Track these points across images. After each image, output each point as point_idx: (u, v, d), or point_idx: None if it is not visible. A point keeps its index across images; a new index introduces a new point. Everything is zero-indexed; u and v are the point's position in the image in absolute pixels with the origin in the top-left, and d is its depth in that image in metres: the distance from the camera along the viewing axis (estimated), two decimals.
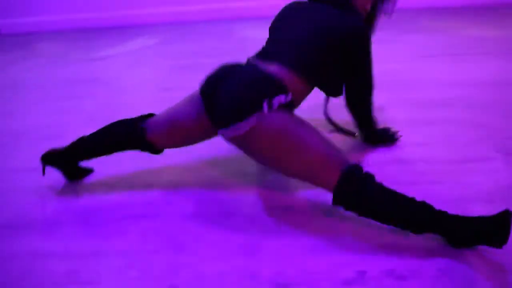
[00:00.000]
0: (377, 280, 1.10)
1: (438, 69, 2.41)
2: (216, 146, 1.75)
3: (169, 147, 1.51)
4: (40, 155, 1.62)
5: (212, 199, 1.47)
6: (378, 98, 2.09)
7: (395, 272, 1.12)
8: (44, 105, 2.38)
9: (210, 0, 3.84)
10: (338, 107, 1.94)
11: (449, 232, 1.14)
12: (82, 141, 1.53)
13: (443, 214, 1.14)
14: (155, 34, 3.65)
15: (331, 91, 1.46)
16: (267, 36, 1.51)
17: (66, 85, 2.65)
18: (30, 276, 1.19)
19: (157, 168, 1.66)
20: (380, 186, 1.18)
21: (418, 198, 1.36)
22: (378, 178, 1.47)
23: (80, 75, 2.82)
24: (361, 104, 1.56)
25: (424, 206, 1.15)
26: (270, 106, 1.22)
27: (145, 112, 2.13)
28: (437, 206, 1.29)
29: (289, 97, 1.28)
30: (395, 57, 2.64)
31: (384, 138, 1.69)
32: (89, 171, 1.65)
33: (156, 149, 1.50)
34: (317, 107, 1.98)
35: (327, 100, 1.79)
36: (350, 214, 1.27)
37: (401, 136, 1.73)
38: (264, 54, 1.39)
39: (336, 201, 1.20)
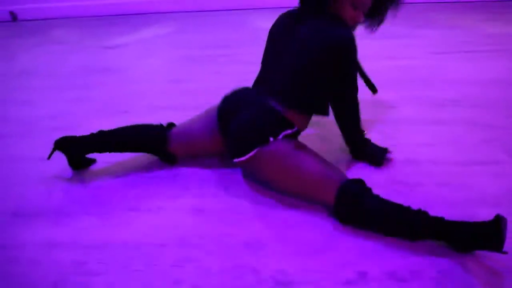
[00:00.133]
0: (378, 281, 1.11)
1: (450, 67, 2.38)
2: None
3: (186, 157, 1.63)
4: (50, 145, 1.66)
5: (218, 195, 1.49)
6: (389, 95, 2.09)
7: (396, 274, 1.13)
8: (57, 94, 2.41)
9: None
10: None
11: (446, 238, 1.15)
12: (101, 134, 1.57)
13: (439, 220, 1.15)
14: (169, 22, 3.65)
15: (323, 112, 1.45)
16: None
17: (78, 74, 2.68)
18: (38, 265, 1.23)
19: (166, 163, 1.68)
20: (376, 199, 1.23)
21: (424, 199, 1.37)
22: (383, 178, 1.48)
23: (93, 63, 2.85)
24: (347, 118, 1.49)
25: (420, 215, 1.17)
26: (275, 139, 1.36)
27: (155, 103, 2.18)
28: (443, 208, 1.29)
29: (295, 129, 1.42)
30: (408, 53, 2.61)
31: (372, 158, 1.58)
32: (92, 161, 1.68)
33: (172, 158, 1.61)
34: None
35: None
36: None
37: (390, 158, 1.60)
38: (264, 86, 1.47)
39: (335, 216, 1.30)
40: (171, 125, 1.62)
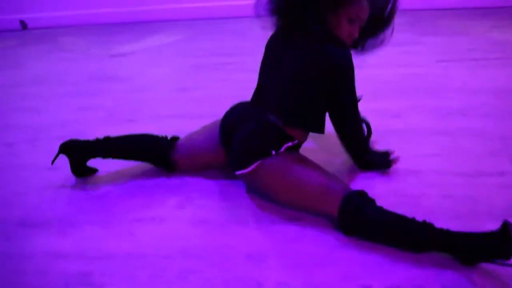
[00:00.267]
0: None
1: (456, 75, 2.36)
2: None
3: (189, 169, 1.64)
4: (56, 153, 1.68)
5: (220, 206, 1.49)
6: (395, 104, 2.08)
7: (400, 287, 1.12)
8: (63, 102, 2.44)
9: None
10: None
11: (452, 249, 1.15)
12: (107, 140, 1.59)
13: (444, 232, 1.15)
14: (176, 30, 3.67)
15: (319, 130, 1.44)
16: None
17: (85, 82, 2.71)
18: (43, 276, 1.24)
19: (168, 173, 1.68)
20: (380, 210, 1.23)
21: (428, 211, 1.36)
22: (387, 189, 1.48)
23: (100, 71, 2.88)
24: (349, 135, 1.49)
25: (425, 226, 1.16)
26: (277, 152, 1.36)
27: (160, 112, 2.20)
28: (447, 221, 1.28)
29: (295, 142, 1.42)
30: (413, 61, 2.60)
31: (379, 164, 1.58)
32: (94, 170, 1.68)
33: (175, 169, 1.63)
34: None
35: None
36: None
37: (397, 160, 1.58)
38: (261, 102, 1.48)
39: (339, 228, 1.29)
40: (175, 138, 1.63)
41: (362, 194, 1.27)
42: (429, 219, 1.20)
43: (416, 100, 2.12)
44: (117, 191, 1.60)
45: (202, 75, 2.66)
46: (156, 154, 1.60)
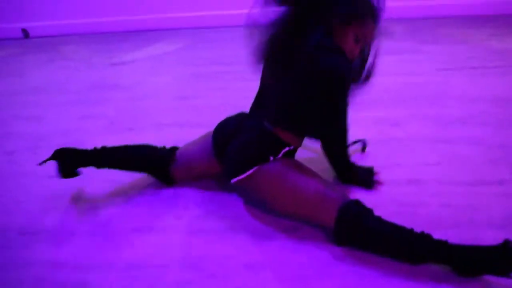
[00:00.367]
0: None
1: (456, 83, 2.37)
2: None
3: (185, 179, 1.63)
4: (55, 163, 1.67)
5: (219, 216, 1.49)
6: (394, 112, 2.08)
7: None
8: (64, 110, 2.45)
9: (233, 5, 3.87)
10: None
11: (450, 262, 1.14)
12: (104, 150, 1.59)
13: (443, 244, 1.14)
14: (177, 39, 3.69)
15: (316, 136, 1.45)
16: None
17: (86, 90, 2.72)
18: (40, 285, 1.24)
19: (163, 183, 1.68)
20: (378, 220, 1.22)
21: (427, 220, 1.36)
22: (386, 198, 1.47)
23: (101, 80, 2.89)
24: (335, 146, 1.47)
25: (423, 237, 1.15)
26: (275, 158, 1.37)
27: (160, 120, 2.20)
28: (447, 230, 1.28)
29: (292, 147, 1.42)
30: (412, 69, 2.60)
31: (362, 181, 1.57)
32: (77, 174, 1.62)
33: (172, 180, 1.62)
34: None
35: None
36: None
37: (380, 183, 1.57)
38: (260, 110, 1.48)
39: (335, 237, 1.28)
40: (173, 150, 1.62)
41: (360, 204, 1.27)
42: (428, 228, 1.19)
43: (416, 108, 2.12)
44: (116, 201, 1.60)
45: (202, 84, 2.67)
46: (155, 168, 1.60)
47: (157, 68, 3.05)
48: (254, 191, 1.40)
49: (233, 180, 1.40)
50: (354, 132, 1.87)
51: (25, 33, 4.11)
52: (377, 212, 1.25)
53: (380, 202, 1.44)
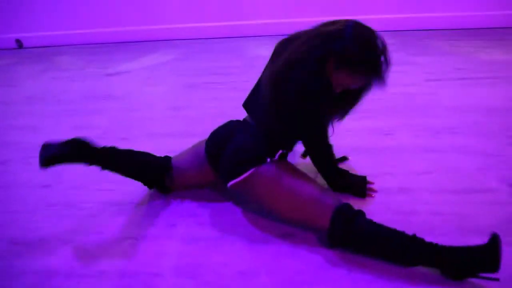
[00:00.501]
0: None
1: (446, 94, 2.42)
2: None
3: (180, 189, 1.66)
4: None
5: (213, 224, 1.50)
6: (385, 123, 2.12)
7: None
8: (58, 120, 2.46)
9: (226, 17, 3.92)
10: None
11: (441, 264, 1.17)
12: (113, 149, 1.57)
13: (434, 246, 1.17)
14: (171, 50, 3.73)
15: (287, 148, 1.48)
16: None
17: (80, 100, 2.74)
18: None
19: (159, 192, 1.70)
20: (370, 222, 1.25)
21: (418, 228, 1.38)
22: (377, 206, 1.49)
23: (95, 90, 2.91)
24: (315, 157, 1.49)
25: (415, 240, 1.19)
26: (271, 159, 1.39)
27: (153, 130, 2.22)
28: (437, 237, 1.30)
29: (285, 150, 1.45)
30: (403, 80, 2.65)
31: (355, 190, 1.58)
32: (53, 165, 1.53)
33: (167, 189, 1.65)
34: None
35: None
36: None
37: (374, 192, 1.60)
38: (250, 113, 1.51)
39: (330, 241, 1.31)
40: (167, 157, 1.63)
41: (350, 206, 1.30)
42: (419, 236, 1.22)
43: (407, 118, 2.16)
44: (109, 210, 1.61)
45: (195, 94, 2.70)
46: (154, 176, 1.61)
47: (151, 79, 3.07)
48: (250, 194, 1.41)
49: (230, 184, 1.41)
50: (347, 142, 1.91)
51: (19, 44, 4.12)
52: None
53: (372, 210, 1.47)
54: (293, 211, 1.35)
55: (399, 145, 1.91)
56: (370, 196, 1.58)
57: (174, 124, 2.29)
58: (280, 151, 1.43)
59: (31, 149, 2.12)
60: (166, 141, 2.07)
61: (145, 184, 1.65)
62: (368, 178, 1.64)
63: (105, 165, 1.55)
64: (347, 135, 1.98)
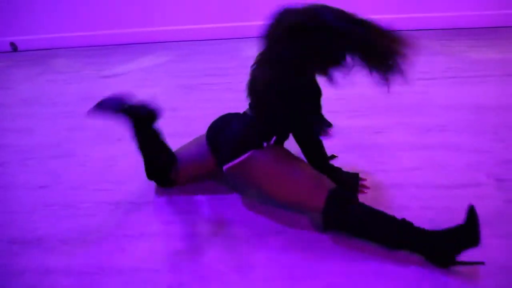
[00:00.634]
0: None
1: (436, 92, 2.46)
2: None
3: (185, 181, 1.68)
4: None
5: (208, 220, 1.54)
6: (376, 121, 2.16)
7: None
8: (55, 122, 2.48)
9: (221, 19, 3.95)
10: None
11: (428, 246, 1.23)
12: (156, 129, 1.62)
13: (421, 230, 1.24)
14: (166, 51, 3.75)
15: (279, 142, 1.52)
16: None
17: (76, 102, 2.75)
18: None
19: (154, 188, 1.73)
20: (361, 205, 1.32)
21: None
22: (369, 202, 1.53)
23: (92, 92, 2.92)
24: (305, 152, 1.53)
25: (404, 223, 1.26)
26: (268, 144, 1.44)
27: None
28: None
29: (281, 138, 1.51)
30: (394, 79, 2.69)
31: (347, 186, 1.57)
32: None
33: (171, 183, 1.66)
34: None
35: None
36: (339, 238, 1.35)
37: (366, 188, 1.63)
38: (249, 102, 1.55)
39: (324, 221, 1.36)
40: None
41: (343, 190, 1.37)
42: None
43: (399, 117, 2.20)
44: (106, 208, 1.64)
45: (191, 95, 2.73)
46: (162, 165, 1.63)
47: (148, 80, 3.10)
48: (247, 177, 1.45)
49: (226, 167, 1.45)
50: (339, 140, 1.95)
51: (14, 47, 4.13)
52: None
53: None
54: (288, 193, 1.39)
55: (391, 143, 1.95)
56: (363, 192, 1.61)
57: (171, 125, 2.29)
58: (275, 138, 1.47)
59: (28, 151, 2.14)
60: None
61: (149, 174, 1.65)
62: (361, 175, 1.67)
63: (143, 138, 1.61)
64: (340, 133, 2.02)
